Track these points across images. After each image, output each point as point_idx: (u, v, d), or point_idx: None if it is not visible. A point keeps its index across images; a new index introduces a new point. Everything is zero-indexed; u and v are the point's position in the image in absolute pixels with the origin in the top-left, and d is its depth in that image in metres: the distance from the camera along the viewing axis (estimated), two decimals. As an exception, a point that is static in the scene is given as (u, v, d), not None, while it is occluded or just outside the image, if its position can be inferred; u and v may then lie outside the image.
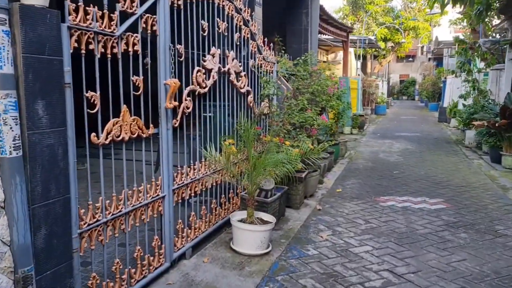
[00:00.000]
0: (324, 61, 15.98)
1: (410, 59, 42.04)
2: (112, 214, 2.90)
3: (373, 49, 26.45)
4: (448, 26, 25.38)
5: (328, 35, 13.49)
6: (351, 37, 16.10)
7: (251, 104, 5.21)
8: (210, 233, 4.38)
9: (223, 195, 4.68)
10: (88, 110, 2.63)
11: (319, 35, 12.11)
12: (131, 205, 3.11)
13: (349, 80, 14.02)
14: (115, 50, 2.86)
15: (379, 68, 30.46)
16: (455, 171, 8.30)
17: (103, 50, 2.76)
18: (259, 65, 5.47)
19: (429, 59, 37.93)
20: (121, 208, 3.00)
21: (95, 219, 2.74)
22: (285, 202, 5.31)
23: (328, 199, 6.23)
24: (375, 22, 27.52)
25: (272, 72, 5.97)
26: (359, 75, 20.25)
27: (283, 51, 6.58)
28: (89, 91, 2.63)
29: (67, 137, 2.47)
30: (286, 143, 5.15)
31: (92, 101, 2.65)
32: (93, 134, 2.68)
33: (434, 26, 30.53)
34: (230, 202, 4.88)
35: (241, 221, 4.20)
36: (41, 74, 2.29)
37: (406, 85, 41.81)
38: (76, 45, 2.53)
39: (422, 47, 40.52)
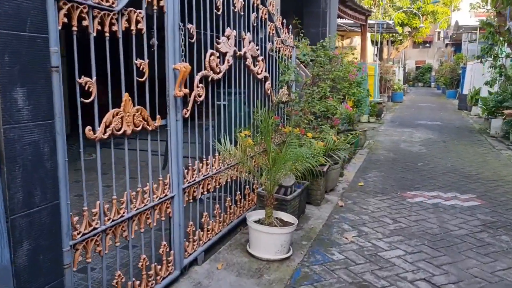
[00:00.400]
0: (342, 48, 15.34)
1: (427, 45, 40.92)
2: (112, 220, 2.50)
3: (390, 34, 25.56)
4: (468, 10, 24.35)
5: (347, 19, 12.83)
6: (368, 21, 15.39)
7: (269, 92, 4.75)
8: (225, 234, 3.97)
9: (238, 192, 4.26)
10: (82, 99, 2.21)
11: (337, 19, 11.49)
12: (135, 208, 2.70)
13: (367, 66, 13.43)
14: (114, 28, 2.42)
15: (395, 54, 29.55)
16: (484, 163, 7.77)
17: (99, 28, 2.32)
18: (277, 49, 5.00)
19: (446, 45, 36.81)
20: (123, 213, 2.59)
21: (91, 227, 2.33)
22: (305, 198, 4.88)
23: (350, 194, 5.78)
24: (392, 6, 26.56)
25: (290, 57, 5.49)
26: (375, 61, 19.56)
27: (301, 35, 6.06)
28: (83, 76, 2.20)
29: (55, 132, 2.05)
30: (308, 135, 4.68)
31: (86, 88, 2.22)
32: (88, 127, 2.25)
33: (453, 10, 29.41)
34: (245, 199, 4.46)
35: (259, 221, 3.78)
36: (21, 55, 1.86)
37: (422, 72, 40.84)
38: (66, 20, 2.09)
39: (439, 33, 39.30)
